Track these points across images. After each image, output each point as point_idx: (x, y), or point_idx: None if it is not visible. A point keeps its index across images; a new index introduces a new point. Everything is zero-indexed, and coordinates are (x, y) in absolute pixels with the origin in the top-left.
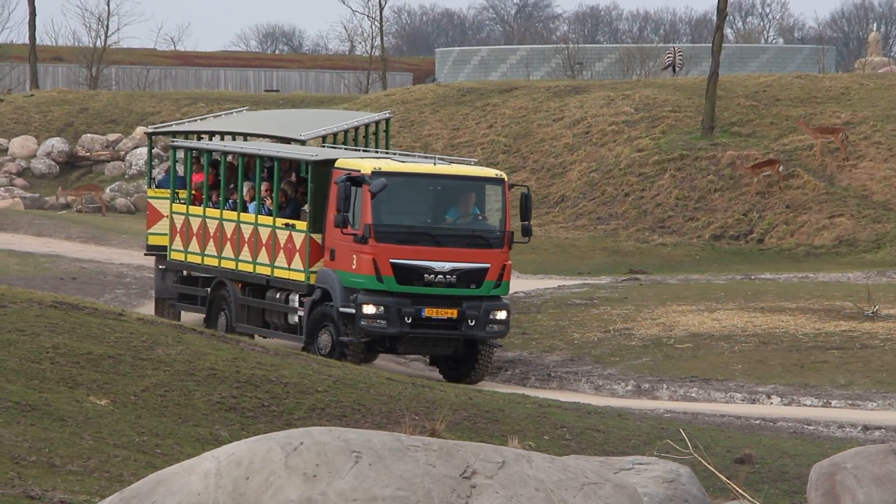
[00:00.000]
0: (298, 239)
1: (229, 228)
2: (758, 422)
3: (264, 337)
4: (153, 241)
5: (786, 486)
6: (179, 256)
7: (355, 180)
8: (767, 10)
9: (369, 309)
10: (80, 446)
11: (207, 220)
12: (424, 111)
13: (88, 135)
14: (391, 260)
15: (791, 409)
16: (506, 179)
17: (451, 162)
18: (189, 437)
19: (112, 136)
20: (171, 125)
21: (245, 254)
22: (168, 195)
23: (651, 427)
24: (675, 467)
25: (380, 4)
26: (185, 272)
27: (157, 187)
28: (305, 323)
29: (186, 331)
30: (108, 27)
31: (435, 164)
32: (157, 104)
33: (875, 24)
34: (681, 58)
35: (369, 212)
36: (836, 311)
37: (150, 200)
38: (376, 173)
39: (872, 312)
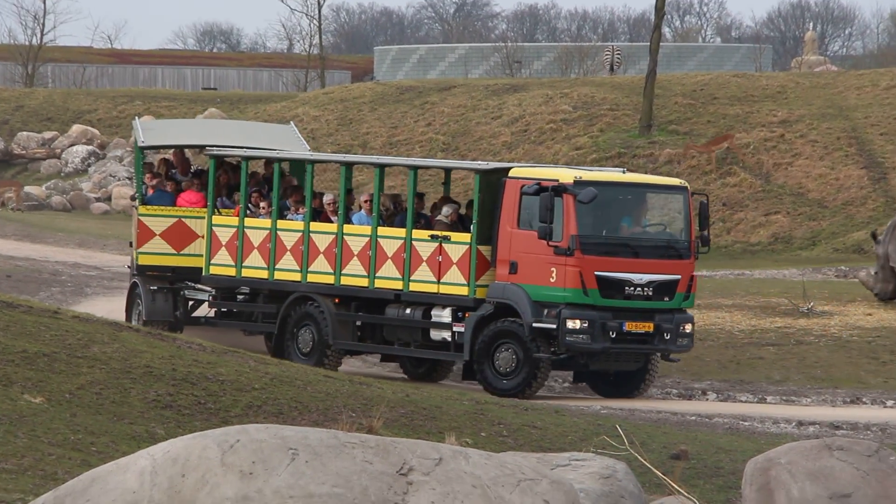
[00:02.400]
0: (456, 251)
1: (323, 240)
2: (693, 418)
3: (356, 353)
4: (145, 260)
5: (721, 481)
6: (227, 272)
7: (557, 190)
8: (705, 10)
9: (574, 324)
10: (14, 444)
11: (282, 232)
12: (363, 109)
13: (24, 132)
14: (596, 273)
15: (726, 405)
16: (689, 187)
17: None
18: (125, 434)
19: (48, 134)
20: (154, 134)
21: (354, 267)
22: (158, 212)
23: (588, 423)
24: (611, 463)
25: (318, 3)
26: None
27: (144, 203)
28: (468, 339)
29: (122, 329)
30: (44, 25)
31: (624, 172)
32: (94, 102)
33: (811, 24)
34: (619, 56)
35: (574, 223)
36: (771, 308)
37: (141, 218)
38: (580, 182)
39: (807, 309)
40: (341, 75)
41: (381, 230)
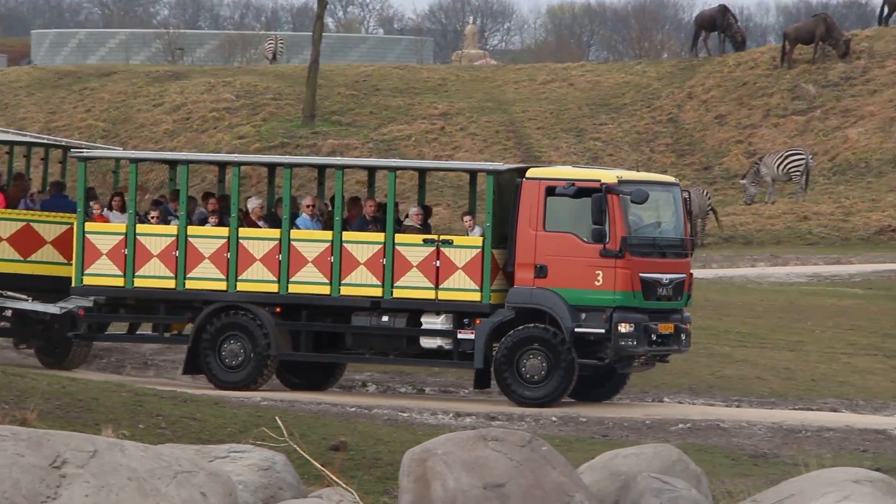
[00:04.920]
0: (462, 255)
1: (259, 247)
2: (353, 409)
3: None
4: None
5: (379, 472)
6: (111, 282)
7: (608, 191)
8: (367, 1)
9: (625, 328)
10: None
11: (196, 239)
12: (19, 94)
13: None
14: (640, 274)
15: (386, 398)
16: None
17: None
18: None
19: None
20: None
21: (309, 273)
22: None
23: (248, 415)
24: (270, 455)
25: None
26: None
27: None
28: (482, 347)
29: None
30: None
31: (637, 171)
32: None
33: (471, 17)
34: (282, 45)
35: (622, 224)
36: None
37: None
38: (624, 182)
39: None
40: None
41: (350, 235)
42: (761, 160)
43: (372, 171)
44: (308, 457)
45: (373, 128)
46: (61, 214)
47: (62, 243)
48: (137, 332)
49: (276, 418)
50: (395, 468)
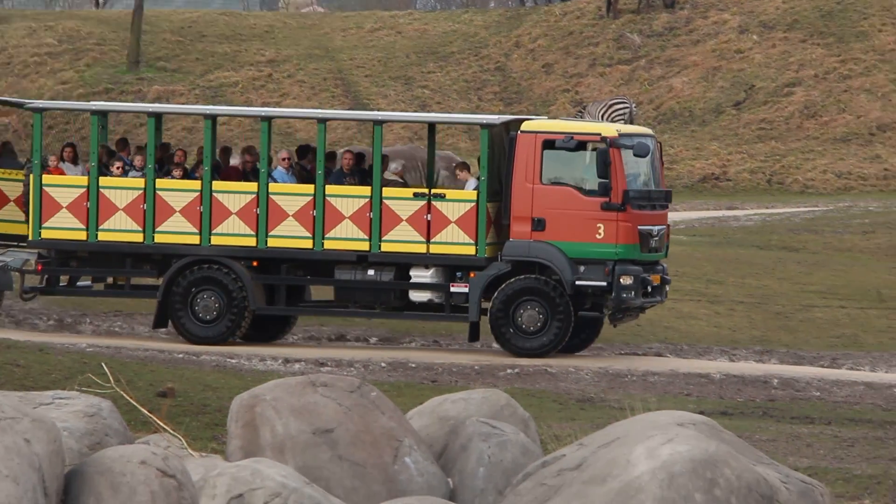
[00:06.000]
0: (455, 209)
1: (235, 200)
2: (181, 356)
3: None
4: None
5: (208, 418)
6: (72, 235)
7: (611, 144)
8: None
9: (626, 280)
10: None
11: (167, 192)
12: None
13: None
14: (639, 227)
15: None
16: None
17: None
18: None
19: None
20: None
21: (290, 228)
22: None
23: (73, 361)
24: (96, 401)
25: None
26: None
27: None
28: (476, 300)
29: None
30: None
31: (626, 122)
32: None
33: None
34: None
35: (623, 177)
36: None
37: None
38: (625, 136)
39: None
40: None
41: (332, 188)
42: (585, 109)
43: (323, 121)
44: (135, 403)
45: (199, 74)
46: None
47: None
48: (78, 284)
49: (102, 364)
50: (224, 414)
